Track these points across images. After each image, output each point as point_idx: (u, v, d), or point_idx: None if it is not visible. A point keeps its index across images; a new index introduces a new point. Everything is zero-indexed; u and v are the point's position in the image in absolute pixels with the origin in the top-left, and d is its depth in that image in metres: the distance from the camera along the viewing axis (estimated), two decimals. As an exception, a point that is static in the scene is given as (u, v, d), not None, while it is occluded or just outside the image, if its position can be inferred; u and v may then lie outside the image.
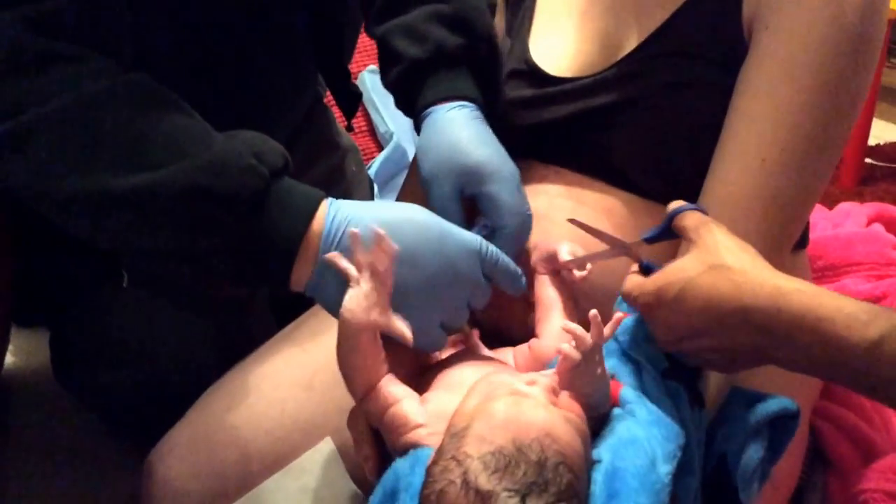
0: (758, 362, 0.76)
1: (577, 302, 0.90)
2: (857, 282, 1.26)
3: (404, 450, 0.77)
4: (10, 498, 1.26)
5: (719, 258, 0.74)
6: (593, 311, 0.74)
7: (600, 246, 0.88)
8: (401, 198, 1.12)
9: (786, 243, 0.93)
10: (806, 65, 0.87)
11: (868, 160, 2.23)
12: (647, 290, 0.78)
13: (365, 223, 0.82)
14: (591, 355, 0.74)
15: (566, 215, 0.92)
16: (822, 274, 1.29)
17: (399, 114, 2.03)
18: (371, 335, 0.79)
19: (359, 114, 1.98)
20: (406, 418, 0.78)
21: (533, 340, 0.88)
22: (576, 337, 0.73)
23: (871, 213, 1.40)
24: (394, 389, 0.80)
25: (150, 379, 1.16)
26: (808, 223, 1.00)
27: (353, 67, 2.00)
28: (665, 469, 0.73)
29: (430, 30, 0.99)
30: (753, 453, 0.82)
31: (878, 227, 1.36)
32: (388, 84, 1.04)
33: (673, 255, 0.84)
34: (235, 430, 0.97)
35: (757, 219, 0.89)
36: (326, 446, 0.95)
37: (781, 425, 0.86)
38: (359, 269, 0.79)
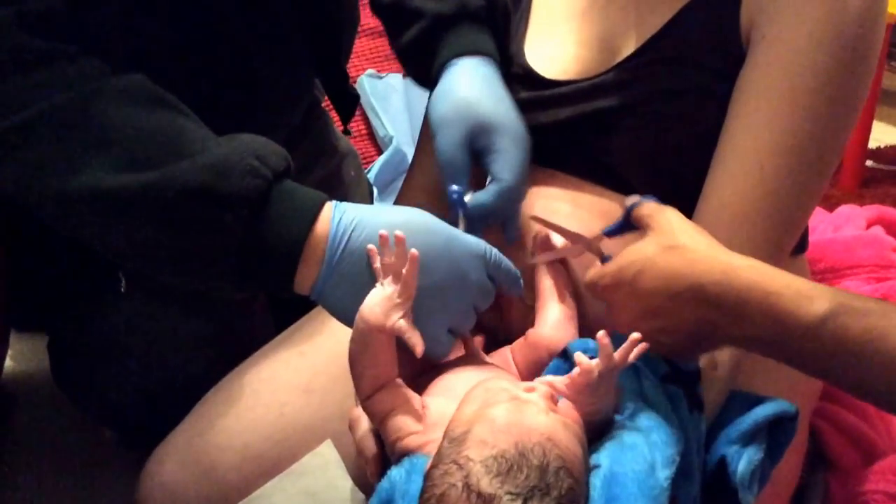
0: (711, 344, 0.78)
1: (577, 292, 0.90)
2: (858, 284, 1.26)
3: (400, 455, 0.77)
4: (11, 502, 1.26)
5: (675, 239, 0.77)
6: (635, 335, 0.74)
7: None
8: (398, 200, 1.12)
9: (784, 248, 0.93)
10: (804, 73, 0.87)
11: (868, 163, 2.23)
12: (607, 274, 0.80)
13: (374, 227, 0.82)
14: (608, 374, 0.75)
15: (563, 218, 0.92)
16: (823, 276, 1.29)
17: (398, 118, 2.04)
18: (387, 337, 0.79)
19: (358, 118, 1.98)
20: (405, 423, 0.78)
21: (530, 331, 0.89)
22: (602, 355, 0.74)
23: (870, 215, 1.40)
24: (399, 393, 0.80)
25: (149, 383, 1.16)
26: (807, 227, 1.00)
27: (351, 71, 2.01)
28: (664, 474, 0.73)
29: None
30: (753, 456, 0.82)
31: (878, 230, 1.36)
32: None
33: None
34: (234, 433, 0.97)
35: (755, 225, 0.89)
36: (326, 449, 0.95)
37: (780, 428, 0.86)
38: (385, 272, 0.79)
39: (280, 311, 1.19)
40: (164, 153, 0.82)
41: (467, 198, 0.91)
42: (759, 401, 0.86)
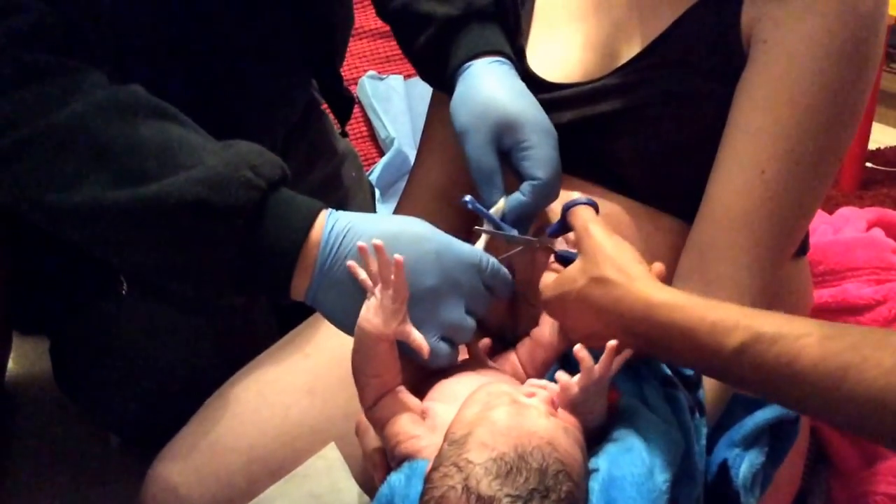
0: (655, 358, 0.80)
1: None
2: (858, 286, 1.27)
3: (400, 459, 0.78)
4: (14, 504, 1.27)
5: (600, 270, 0.79)
6: (611, 342, 0.75)
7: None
8: (402, 201, 1.12)
9: (785, 253, 0.93)
10: (805, 77, 0.87)
11: (868, 164, 2.23)
12: (551, 298, 0.83)
13: (365, 235, 0.82)
14: (594, 387, 0.75)
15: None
16: (823, 279, 1.29)
17: (399, 119, 2.04)
18: (389, 345, 0.80)
19: (359, 119, 1.98)
20: (405, 428, 0.79)
21: (534, 330, 0.89)
22: (583, 369, 0.74)
23: (871, 217, 1.40)
24: (401, 399, 0.80)
25: (152, 386, 1.17)
26: (808, 230, 1.00)
27: (352, 73, 2.01)
28: (663, 477, 0.73)
29: None
30: (754, 459, 0.82)
31: (878, 232, 1.36)
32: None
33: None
34: (239, 436, 0.97)
35: (756, 229, 0.89)
36: (331, 452, 0.95)
37: (782, 430, 0.86)
38: (374, 281, 0.80)
39: (284, 314, 1.19)
40: (160, 167, 0.83)
41: (501, 202, 0.91)
42: (760, 404, 0.86)
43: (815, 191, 0.92)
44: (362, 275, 0.80)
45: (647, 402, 0.80)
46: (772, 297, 0.92)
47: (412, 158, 1.14)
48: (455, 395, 0.80)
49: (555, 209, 0.94)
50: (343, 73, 1.35)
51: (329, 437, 0.96)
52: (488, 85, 0.93)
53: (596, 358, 0.75)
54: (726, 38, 0.92)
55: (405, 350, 0.81)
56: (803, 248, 1.04)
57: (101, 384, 1.21)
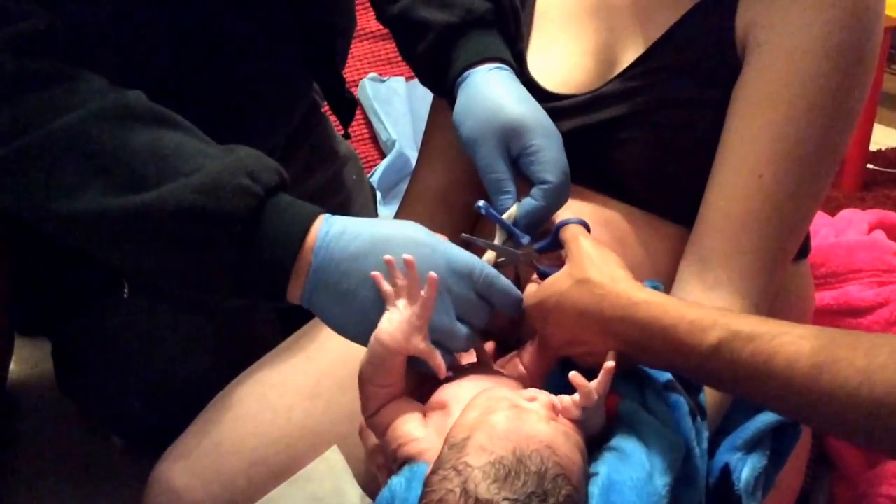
0: (632, 365, 0.81)
1: None
2: (860, 288, 1.27)
3: (400, 463, 0.78)
4: (17, 507, 1.27)
5: (584, 273, 0.80)
6: (608, 364, 0.75)
7: None
8: (403, 204, 1.12)
9: (786, 256, 0.93)
10: (801, 80, 0.87)
11: (869, 166, 2.23)
12: (532, 304, 0.84)
13: (359, 239, 0.83)
14: (593, 406, 0.75)
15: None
16: (825, 281, 1.29)
17: (400, 121, 2.04)
18: (404, 358, 0.80)
19: (360, 122, 1.98)
20: (406, 432, 0.79)
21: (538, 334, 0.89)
22: (581, 393, 0.74)
23: (872, 219, 1.40)
24: (402, 404, 0.81)
25: (154, 388, 1.17)
26: (808, 232, 1.00)
27: (353, 75, 2.01)
28: (662, 481, 0.73)
29: None
30: (756, 463, 0.82)
31: (880, 234, 1.36)
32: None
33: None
34: (242, 438, 0.97)
35: (755, 233, 0.89)
36: (333, 455, 0.95)
37: (784, 434, 0.86)
38: (397, 294, 0.80)
39: (287, 316, 1.19)
40: (159, 173, 0.84)
41: (513, 208, 0.91)
42: (762, 408, 0.86)
43: (814, 193, 0.92)
44: (386, 287, 0.80)
45: (647, 406, 0.80)
46: (773, 300, 0.92)
47: (413, 160, 1.14)
48: (457, 399, 0.80)
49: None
50: (344, 76, 1.36)
51: (331, 439, 0.96)
52: (492, 92, 0.93)
53: (575, 367, 0.76)
54: (722, 43, 0.92)
55: (414, 363, 0.81)
56: (804, 251, 1.04)
57: (103, 386, 1.21)
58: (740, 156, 0.90)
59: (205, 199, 0.82)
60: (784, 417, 0.82)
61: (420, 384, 0.85)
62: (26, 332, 1.40)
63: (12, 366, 1.40)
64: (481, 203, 0.91)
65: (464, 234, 0.90)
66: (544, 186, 0.90)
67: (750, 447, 0.83)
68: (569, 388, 0.76)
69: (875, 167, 2.26)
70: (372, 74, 2.04)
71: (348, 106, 1.35)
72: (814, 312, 1.13)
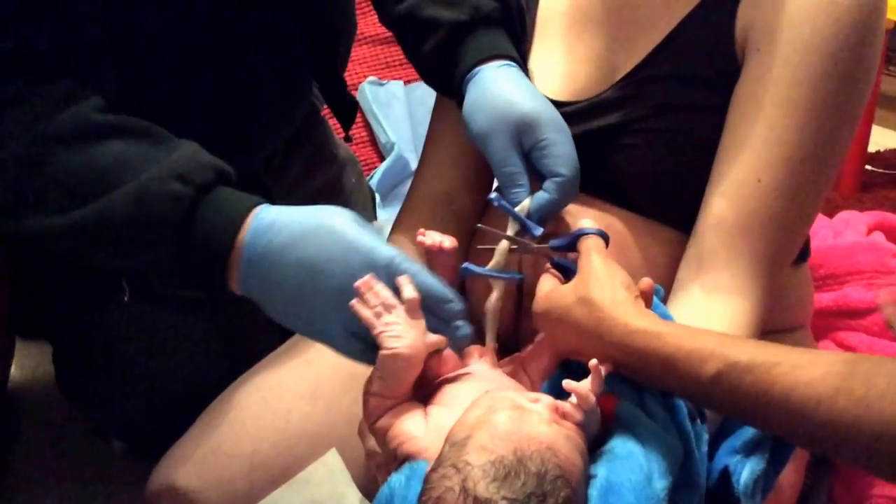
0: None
1: None
2: (859, 290, 1.27)
3: (400, 461, 0.78)
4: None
5: (588, 291, 0.80)
6: (593, 362, 0.75)
7: None
8: (404, 206, 1.12)
9: (785, 260, 0.93)
10: (799, 83, 0.87)
11: (868, 167, 2.24)
12: (538, 312, 0.84)
13: (286, 229, 0.84)
14: (591, 410, 0.75)
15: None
16: (824, 283, 1.29)
17: (399, 125, 2.04)
18: (422, 365, 0.81)
19: (359, 125, 1.99)
20: (405, 430, 0.79)
21: (537, 337, 0.89)
22: (579, 397, 0.75)
23: (871, 221, 1.41)
24: (404, 405, 0.81)
25: (155, 391, 1.17)
26: (808, 235, 1.00)
27: (353, 79, 2.02)
28: (661, 484, 0.73)
29: None
30: (755, 466, 0.82)
31: (879, 236, 1.37)
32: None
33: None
34: (241, 441, 0.97)
35: (754, 237, 0.90)
36: (331, 457, 0.95)
37: (784, 435, 0.86)
38: (378, 315, 0.80)
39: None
40: (99, 187, 0.88)
41: (527, 201, 0.91)
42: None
43: (813, 197, 0.92)
44: (365, 313, 0.81)
45: (646, 408, 0.80)
46: (773, 303, 0.92)
47: (412, 163, 1.15)
48: (459, 399, 0.80)
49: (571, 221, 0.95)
50: (344, 79, 1.36)
51: (330, 442, 0.96)
52: (503, 87, 0.94)
53: (577, 369, 0.77)
54: (721, 48, 0.92)
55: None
56: (804, 255, 1.04)
57: (103, 389, 1.21)
58: (739, 160, 0.90)
59: (134, 209, 0.87)
60: (792, 442, 0.82)
61: (422, 384, 0.86)
62: (27, 335, 1.40)
63: (13, 369, 1.40)
64: (494, 195, 0.92)
65: (479, 225, 0.91)
66: (557, 179, 0.90)
67: (749, 449, 0.83)
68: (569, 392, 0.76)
69: (873, 168, 2.26)
70: (371, 78, 2.05)
71: (349, 109, 1.35)
72: (813, 314, 1.13)
